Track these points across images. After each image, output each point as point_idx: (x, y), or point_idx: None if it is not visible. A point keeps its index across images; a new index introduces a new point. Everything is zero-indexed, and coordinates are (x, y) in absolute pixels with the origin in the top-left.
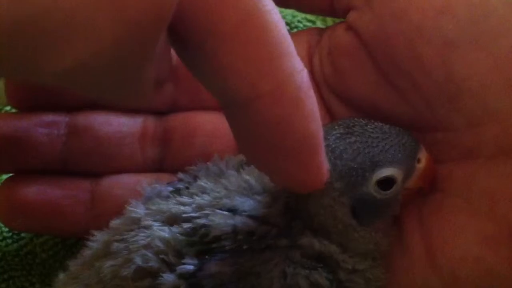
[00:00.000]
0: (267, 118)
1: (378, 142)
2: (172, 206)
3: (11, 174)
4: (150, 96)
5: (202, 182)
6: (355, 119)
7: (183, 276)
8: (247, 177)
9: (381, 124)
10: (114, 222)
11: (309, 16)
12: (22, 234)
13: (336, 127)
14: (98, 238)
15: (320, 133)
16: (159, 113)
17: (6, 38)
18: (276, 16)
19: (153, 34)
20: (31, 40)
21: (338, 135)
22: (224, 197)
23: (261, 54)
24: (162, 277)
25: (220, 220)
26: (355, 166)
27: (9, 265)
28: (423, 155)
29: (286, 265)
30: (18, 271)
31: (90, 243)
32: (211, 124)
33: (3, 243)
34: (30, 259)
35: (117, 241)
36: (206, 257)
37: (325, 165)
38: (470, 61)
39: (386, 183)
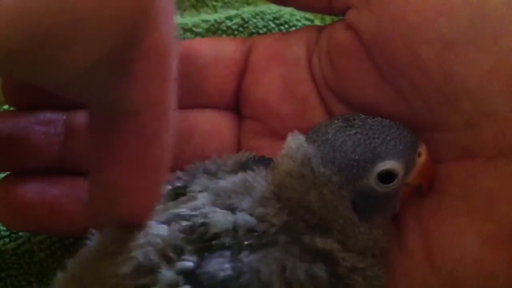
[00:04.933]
0: (149, 130)
1: (379, 134)
2: (170, 205)
3: (8, 173)
4: None
5: (200, 181)
6: (354, 114)
7: (182, 272)
8: (246, 176)
9: (381, 118)
10: None
11: (307, 15)
12: (20, 233)
13: (336, 120)
14: (96, 238)
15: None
16: None
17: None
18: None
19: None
20: (45, 47)
21: (338, 128)
22: (222, 196)
23: (161, 77)
24: (160, 273)
25: (220, 218)
26: (356, 158)
27: (6, 264)
28: (423, 150)
29: (285, 259)
30: (15, 270)
31: (89, 243)
32: (209, 123)
33: (1, 242)
34: (27, 258)
35: (115, 240)
36: (206, 254)
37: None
38: (469, 62)
39: (387, 176)
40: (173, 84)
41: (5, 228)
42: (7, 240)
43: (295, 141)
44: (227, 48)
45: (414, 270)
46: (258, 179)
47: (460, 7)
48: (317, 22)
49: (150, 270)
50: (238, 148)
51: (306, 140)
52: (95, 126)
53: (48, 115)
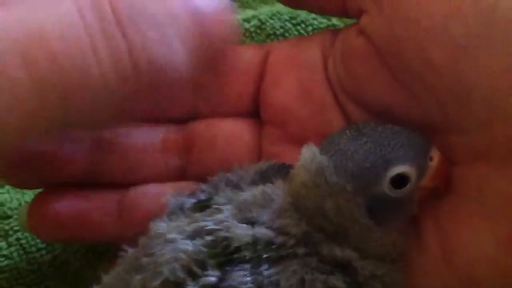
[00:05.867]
0: None
1: (389, 141)
2: (194, 220)
3: (41, 190)
4: None
5: (224, 194)
6: (366, 122)
7: (206, 287)
8: (266, 189)
9: (391, 125)
10: (142, 239)
11: None
12: (56, 245)
13: (347, 131)
14: (129, 254)
15: None
16: (180, 121)
17: None
18: None
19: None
20: None
21: (349, 137)
22: (243, 209)
23: None
24: None
25: (240, 231)
26: (367, 166)
27: (44, 275)
28: (435, 153)
29: (304, 272)
30: (53, 280)
31: (121, 259)
32: (230, 131)
33: (38, 254)
34: (64, 268)
35: (145, 255)
36: (227, 268)
37: None
38: (480, 63)
39: (399, 181)
40: None
41: (41, 241)
42: (44, 252)
43: (309, 152)
44: (244, 55)
45: (432, 271)
46: (277, 192)
47: (470, 9)
48: (334, 20)
49: (177, 285)
50: (260, 153)
51: (320, 151)
52: None
53: (75, 132)
